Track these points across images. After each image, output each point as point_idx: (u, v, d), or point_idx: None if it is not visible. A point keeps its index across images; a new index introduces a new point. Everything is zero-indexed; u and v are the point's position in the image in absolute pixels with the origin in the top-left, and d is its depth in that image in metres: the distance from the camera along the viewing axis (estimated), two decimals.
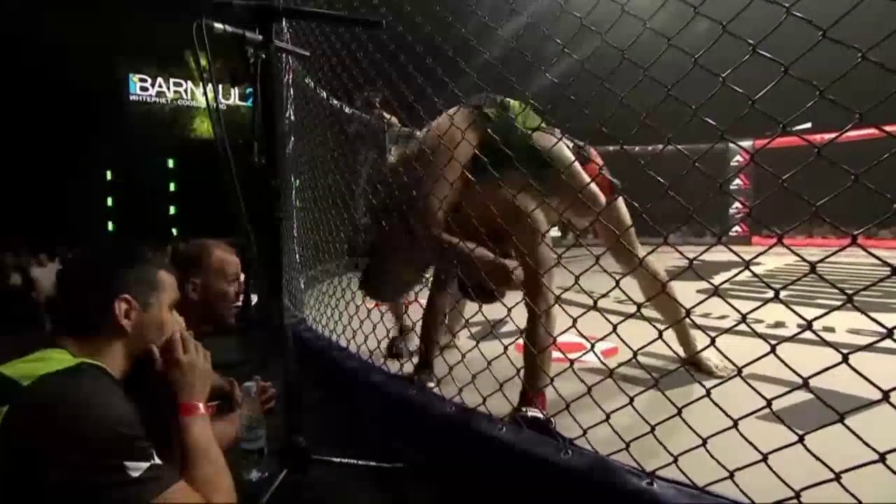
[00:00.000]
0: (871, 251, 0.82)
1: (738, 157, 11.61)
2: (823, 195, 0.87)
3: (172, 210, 13.15)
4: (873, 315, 0.79)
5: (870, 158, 0.83)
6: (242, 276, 1.46)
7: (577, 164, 1.71)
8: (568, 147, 1.82)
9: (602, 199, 1.81)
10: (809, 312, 0.88)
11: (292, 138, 3.64)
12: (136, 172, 12.39)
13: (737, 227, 10.88)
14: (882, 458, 0.76)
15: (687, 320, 1.85)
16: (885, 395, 0.75)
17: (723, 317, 3.08)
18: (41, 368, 0.76)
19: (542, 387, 1.55)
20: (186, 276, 1.30)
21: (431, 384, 1.84)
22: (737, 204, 11.53)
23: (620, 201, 1.96)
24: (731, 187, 11.41)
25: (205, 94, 1.91)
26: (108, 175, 12.46)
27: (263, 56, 1.32)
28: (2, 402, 0.70)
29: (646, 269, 1.62)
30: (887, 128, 0.82)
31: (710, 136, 1.03)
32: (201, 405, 0.97)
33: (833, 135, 0.91)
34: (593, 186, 1.74)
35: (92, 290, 0.90)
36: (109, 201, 12.47)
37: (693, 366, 1.98)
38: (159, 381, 0.96)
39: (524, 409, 1.49)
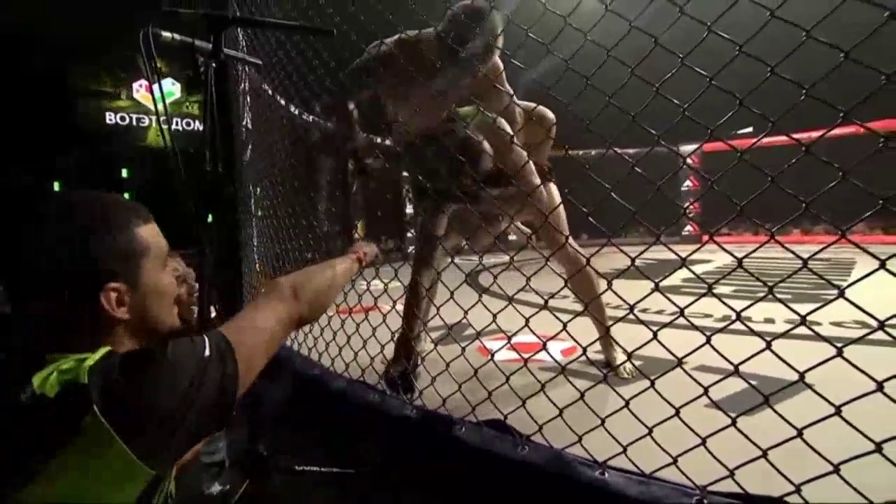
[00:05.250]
0: (801, 245, 0.90)
1: (688, 161, 12.13)
2: (775, 196, 0.94)
3: None
4: (808, 305, 0.86)
5: (801, 161, 0.91)
6: (197, 286, 1.43)
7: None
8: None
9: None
10: (752, 306, 0.96)
11: (250, 146, 3.58)
12: (88, 182, 11.85)
13: (688, 228, 11.41)
14: (800, 433, 0.83)
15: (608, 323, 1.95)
16: (801, 377, 0.82)
17: (674, 313, 3.21)
18: (76, 366, 0.64)
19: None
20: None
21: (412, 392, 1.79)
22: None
23: (554, 188, 2.05)
24: (682, 189, 11.92)
25: (153, 102, 1.88)
26: (56, 186, 11.86)
27: (214, 65, 1.31)
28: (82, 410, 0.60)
29: (570, 247, 1.79)
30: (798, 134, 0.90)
31: (668, 142, 1.10)
32: None
33: (776, 138, 0.98)
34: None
35: (68, 291, 0.70)
36: None
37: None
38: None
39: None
